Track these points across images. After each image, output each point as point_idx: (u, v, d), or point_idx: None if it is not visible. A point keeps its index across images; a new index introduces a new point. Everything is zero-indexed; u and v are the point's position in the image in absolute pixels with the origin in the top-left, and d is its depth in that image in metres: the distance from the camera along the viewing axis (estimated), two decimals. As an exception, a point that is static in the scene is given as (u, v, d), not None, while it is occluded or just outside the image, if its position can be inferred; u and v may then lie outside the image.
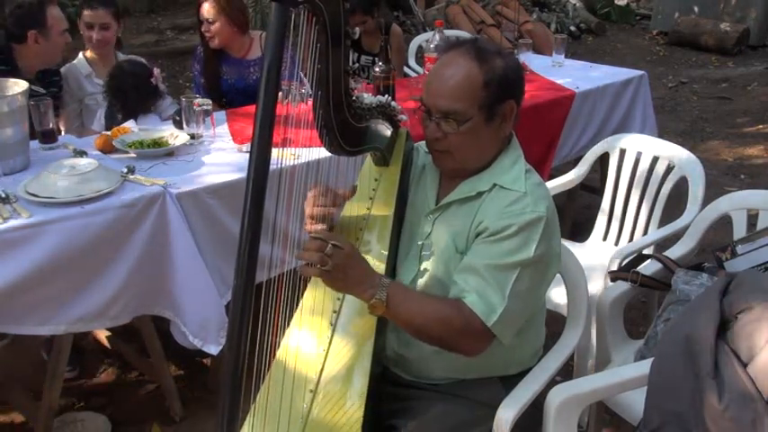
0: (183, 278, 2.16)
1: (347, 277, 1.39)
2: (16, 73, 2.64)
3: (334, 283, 1.40)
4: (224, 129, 2.71)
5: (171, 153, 2.45)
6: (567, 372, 2.10)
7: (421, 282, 1.59)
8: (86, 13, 3.02)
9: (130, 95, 2.77)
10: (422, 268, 1.60)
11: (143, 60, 3.06)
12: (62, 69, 3.07)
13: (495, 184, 1.55)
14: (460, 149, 1.54)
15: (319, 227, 1.54)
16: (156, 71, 2.85)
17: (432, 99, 1.52)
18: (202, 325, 2.18)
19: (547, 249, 1.49)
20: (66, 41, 2.82)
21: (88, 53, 3.11)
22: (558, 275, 1.74)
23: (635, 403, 1.74)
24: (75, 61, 3.12)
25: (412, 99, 1.59)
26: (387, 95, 1.69)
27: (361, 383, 1.44)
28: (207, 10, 3.15)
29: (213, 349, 2.17)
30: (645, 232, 2.61)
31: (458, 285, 1.49)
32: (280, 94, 1.21)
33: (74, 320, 2.06)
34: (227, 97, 3.30)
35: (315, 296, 1.60)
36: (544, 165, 3.25)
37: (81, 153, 2.40)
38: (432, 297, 1.53)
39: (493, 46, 1.58)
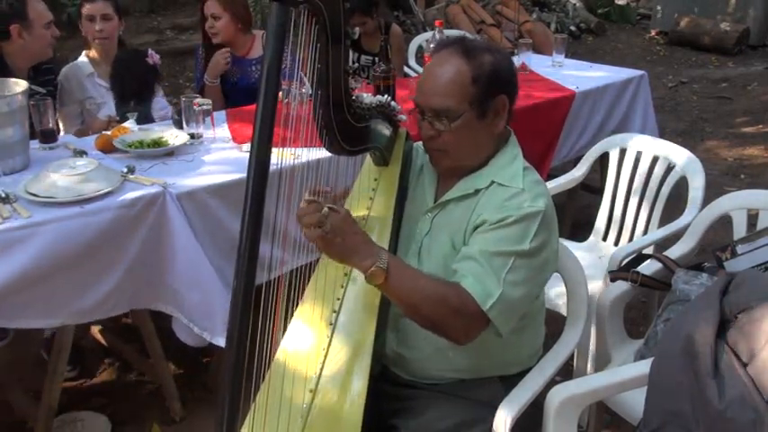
0: (186, 274, 2.16)
1: (345, 243, 1.38)
2: (7, 71, 2.63)
3: (332, 247, 1.39)
4: (224, 129, 2.72)
5: (171, 153, 2.45)
6: (567, 372, 2.09)
7: (420, 280, 1.59)
8: (87, 6, 3.02)
9: (128, 77, 2.82)
10: (421, 266, 1.60)
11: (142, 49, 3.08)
12: (63, 69, 3.06)
13: (492, 182, 1.55)
14: (455, 147, 1.54)
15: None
16: (153, 54, 2.87)
17: (423, 98, 1.53)
18: (209, 318, 2.18)
19: (543, 244, 1.49)
20: (54, 35, 2.79)
21: (91, 53, 3.10)
22: (557, 275, 1.74)
23: (635, 403, 1.74)
24: (77, 61, 3.11)
25: (411, 99, 1.59)
26: (386, 95, 1.70)
27: (360, 383, 1.44)
28: (212, 5, 3.15)
29: (221, 341, 2.15)
30: (645, 232, 2.61)
31: (456, 272, 1.49)
32: (280, 93, 1.21)
33: (71, 314, 2.05)
34: (230, 96, 3.30)
35: (314, 296, 1.60)
36: (543, 164, 3.25)
37: (81, 153, 2.41)
38: (429, 276, 1.52)
39: (482, 43, 1.59)
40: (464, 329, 1.47)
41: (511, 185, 1.53)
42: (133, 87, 2.83)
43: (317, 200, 1.36)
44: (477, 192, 1.56)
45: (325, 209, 1.35)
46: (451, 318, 1.45)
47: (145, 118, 2.78)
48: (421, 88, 1.55)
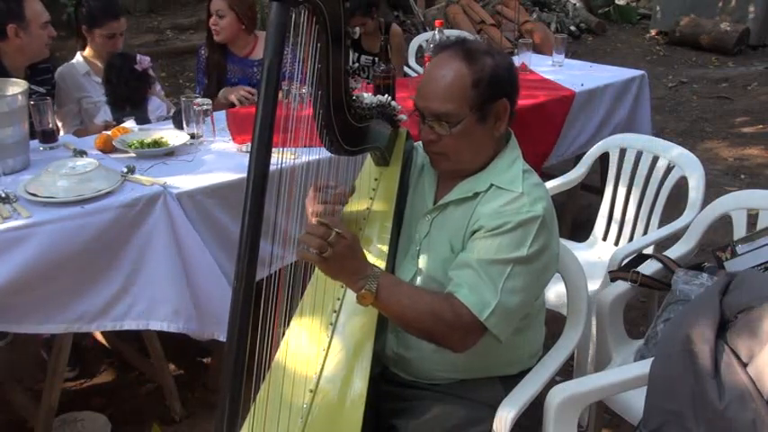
0: (187, 272, 2.16)
1: (343, 267, 1.38)
2: (3, 71, 2.63)
3: (329, 270, 1.39)
4: (224, 129, 2.72)
5: (171, 153, 2.45)
6: (567, 372, 2.10)
7: (419, 282, 1.59)
8: (111, 25, 3.02)
9: (118, 83, 2.82)
10: (420, 268, 1.60)
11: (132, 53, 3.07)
12: (59, 69, 3.06)
13: (492, 185, 1.54)
14: (455, 151, 1.54)
15: (323, 213, 1.54)
16: (143, 58, 2.86)
17: (423, 102, 1.53)
18: (212, 314, 2.18)
19: (542, 249, 1.48)
20: (50, 35, 2.78)
21: (86, 52, 3.10)
22: (557, 275, 1.74)
23: (635, 403, 1.74)
24: (72, 61, 3.11)
25: (411, 98, 1.60)
26: (387, 95, 1.69)
27: (360, 383, 1.44)
28: (218, 3, 3.16)
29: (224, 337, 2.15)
30: (645, 232, 2.61)
31: (452, 281, 1.49)
32: (280, 93, 1.21)
33: (74, 319, 2.06)
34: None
35: (315, 296, 1.60)
36: (541, 165, 3.25)
37: (81, 153, 2.41)
38: (423, 290, 1.52)
39: (483, 45, 1.57)
40: (460, 340, 1.47)
41: (510, 189, 1.52)
42: (125, 93, 2.83)
43: (326, 222, 1.34)
44: (476, 195, 1.56)
45: (333, 234, 1.33)
46: (447, 331, 1.45)
47: (141, 121, 2.77)
48: (421, 92, 1.54)
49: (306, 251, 1.34)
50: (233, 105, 3.20)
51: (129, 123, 2.68)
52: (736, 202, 2.18)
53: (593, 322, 2.12)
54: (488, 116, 1.52)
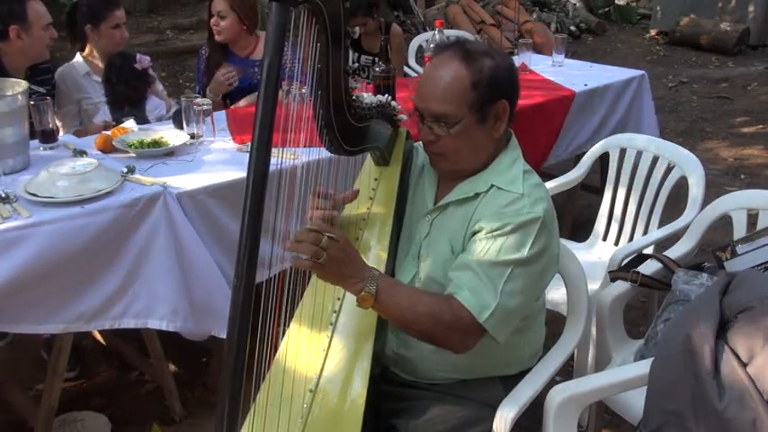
0: (187, 272, 2.16)
1: (340, 271, 1.38)
2: (3, 71, 2.63)
3: (326, 275, 1.39)
4: (224, 129, 2.72)
5: (171, 153, 2.45)
6: (567, 372, 2.10)
7: (419, 283, 1.59)
8: (116, 14, 3.03)
9: (118, 83, 2.82)
10: (420, 269, 1.60)
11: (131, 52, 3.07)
12: (59, 69, 3.06)
13: (492, 185, 1.54)
14: (454, 151, 1.54)
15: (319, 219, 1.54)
16: (143, 57, 2.86)
17: (423, 103, 1.53)
18: (212, 313, 2.18)
19: (542, 250, 1.48)
20: (52, 37, 2.78)
21: (86, 53, 3.11)
22: (558, 275, 1.74)
23: (635, 403, 1.74)
24: (72, 61, 3.11)
25: (412, 99, 1.60)
26: (387, 95, 1.69)
27: (360, 383, 1.44)
28: (219, 3, 3.16)
29: (224, 334, 2.15)
30: (645, 232, 2.61)
31: (452, 282, 1.49)
32: (280, 93, 1.21)
33: (73, 319, 2.05)
34: (231, 96, 3.30)
35: (315, 296, 1.60)
36: (540, 164, 3.25)
37: (81, 153, 2.41)
38: (422, 292, 1.53)
39: (482, 46, 1.57)
40: (460, 342, 1.48)
41: (510, 190, 1.52)
42: (124, 93, 2.83)
43: (317, 229, 1.34)
44: (476, 195, 1.55)
45: (325, 239, 1.33)
46: (446, 333, 1.45)
47: (140, 120, 2.77)
48: (420, 92, 1.54)
49: (300, 259, 1.34)
50: (228, 103, 3.20)
51: (129, 123, 2.68)
52: (736, 202, 2.18)
53: (594, 322, 2.12)
54: (488, 117, 1.52)
